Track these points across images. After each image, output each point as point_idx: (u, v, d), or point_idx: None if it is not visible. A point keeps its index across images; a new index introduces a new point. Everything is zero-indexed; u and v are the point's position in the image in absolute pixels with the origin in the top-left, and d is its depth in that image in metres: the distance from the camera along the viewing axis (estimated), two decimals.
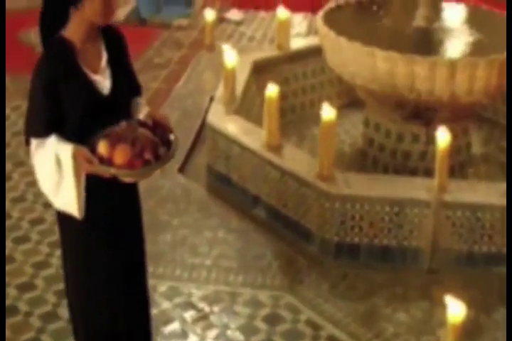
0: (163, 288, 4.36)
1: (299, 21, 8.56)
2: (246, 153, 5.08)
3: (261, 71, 6.31)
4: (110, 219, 3.17)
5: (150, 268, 4.37)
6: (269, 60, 6.39)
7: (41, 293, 4.33)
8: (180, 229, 4.89)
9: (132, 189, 3.25)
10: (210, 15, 7.13)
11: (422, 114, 5.24)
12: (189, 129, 6.13)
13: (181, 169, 5.59)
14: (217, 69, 6.58)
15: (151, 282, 4.20)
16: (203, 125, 5.87)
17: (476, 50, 5.21)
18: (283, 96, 6.34)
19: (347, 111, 6.48)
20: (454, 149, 5.15)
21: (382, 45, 5.01)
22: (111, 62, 3.07)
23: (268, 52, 6.58)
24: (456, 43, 5.29)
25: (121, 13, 8.50)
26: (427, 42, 5.29)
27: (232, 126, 5.24)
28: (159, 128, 3.05)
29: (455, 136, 5.23)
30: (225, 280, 4.45)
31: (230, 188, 5.26)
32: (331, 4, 5.84)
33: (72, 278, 3.29)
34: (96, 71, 3.02)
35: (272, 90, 4.88)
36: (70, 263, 3.27)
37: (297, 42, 6.72)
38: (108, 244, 3.19)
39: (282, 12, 6.45)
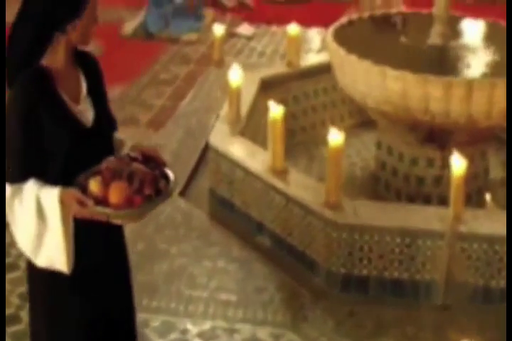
0: (156, 323, 4.06)
1: (312, 36, 8.30)
2: (249, 178, 4.79)
3: (269, 89, 6.03)
4: (95, 268, 2.80)
5: (143, 301, 4.13)
6: (278, 77, 6.11)
7: (26, 327, 4.04)
8: (178, 258, 4.60)
9: (118, 232, 2.90)
10: (219, 30, 6.85)
11: (437, 137, 4.95)
12: (193, 149, 5.86)
13: (182, 192, 5.31)
14: (225, 86, 6.30)
15: (143, 316, 3.94)
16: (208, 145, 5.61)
17: (495, 69, 4.91)
18: (292, 115, 6.14)
19: (360, 130, 6.23)
20: (471, 174, 4.86)
21: (394, 63, 4.73)
22: (91, 91, 2.75)
23: (277, 68, 6.31)
24: (474, 62, 4.99)
25: (129, 27, 8.28)
26: (442, 61, 5.01)
27: (236, 149, 4.96)
28: (152, 162, 2.70)
29: (472, 160, 4.94)
30: (223, 314, 4.15)
31: (233, 214, 4.97)
32: (343, 20, 5.57)
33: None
34: (77, 101, 2.71)
35: (276, 111, 4.60)
36: (44, 323, 2.86)
37: (308, 59, 6.48)
38: (93, 297, 2.82)
39: (293, 27, 6.18)
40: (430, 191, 5.09)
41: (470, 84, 4.53)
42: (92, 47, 7.81)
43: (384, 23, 5.65)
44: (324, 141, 6.19)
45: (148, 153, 2.76)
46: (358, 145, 6.08)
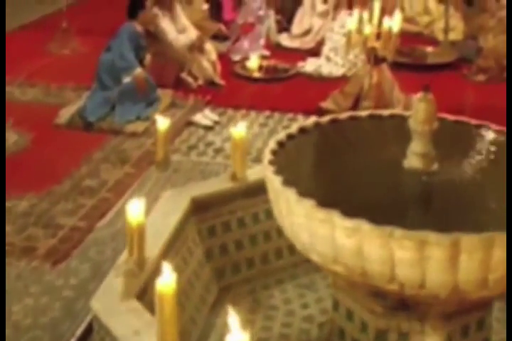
0: None
1: (283, 127, 6.85)
2: None
3: (204, 210, 4.60)
4: None
5: None
6: (217, 196, 4.66)
7: None
8: None
9: None
10: (163, 123, 5.38)
11: (412, 305, 3.46)
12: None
13: None
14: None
15: None
16: None
17: (496, 213, 3.41)
18: (237, 244, 4.76)
19: None
20: None
21: (349, 203, 3.27)
22: None
23: (217, 183, 4.83)
24: (466, 201, 3.49)
25: (65, 114, 6.88)
26: (418, 199, 3.53)
27: (123, 321, 3.46)
28: None
29: (465, 333, 3.49)
30: None
31: None
32: (292, 128, 4.11)
33: None
34: None
35: (166, 279, 3.10)
36: None
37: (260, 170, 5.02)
38: None
39: (238, 129, 4.72)
40: None
41: (455, 242, 3.04)
42: (16, 138, 6.47)
43: (352, 131, 4.20)
44: (279, 278, 4.84)
45: None
46: (320, 287, 4.60)
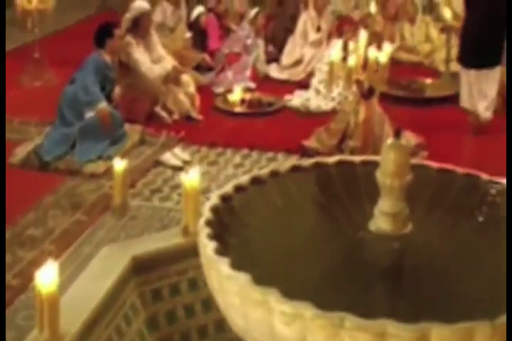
0: None
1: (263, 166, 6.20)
2: None
3: (148, 271, 3.97)
4: None
5: None
6: (164, 253, 4.01)
7: None
8: None
9: None
10: (120, 165, 4.73)
11: None
12: None
13: None
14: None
15: None
16: None
17: (482, 295, 2.71)
18: (187, 310, 4.14)
19: None
20: None
21: (294, 279, 2.61)
22: None
23: (166, 238, 4.17)
24: (443, 278, 2.79)
25: (21, 152, 6.24)
26: (382, 275, 2.83)
27: None
28: None
29: None
30: None
31: None
32: (242, 178, 3.45)
33: None
34: None
35: None
36: None
37: None
38: None
39: (191, 176, 4.09)
40: None
41: (422, 335, 2.37)
42: None
43: (315, 181, 3.55)
44: None
45: None
46: None
